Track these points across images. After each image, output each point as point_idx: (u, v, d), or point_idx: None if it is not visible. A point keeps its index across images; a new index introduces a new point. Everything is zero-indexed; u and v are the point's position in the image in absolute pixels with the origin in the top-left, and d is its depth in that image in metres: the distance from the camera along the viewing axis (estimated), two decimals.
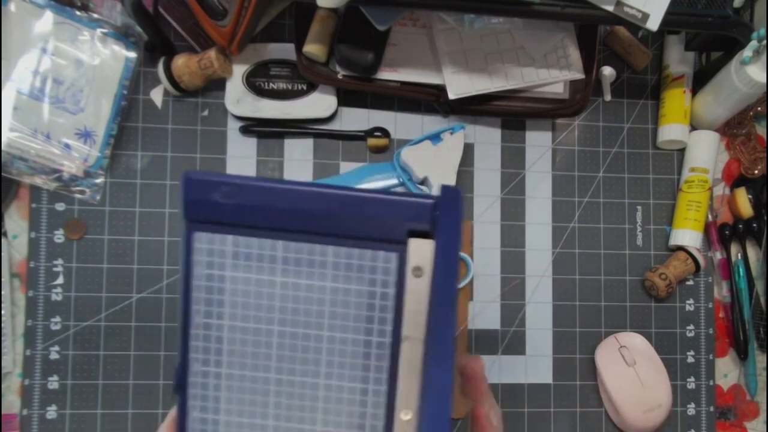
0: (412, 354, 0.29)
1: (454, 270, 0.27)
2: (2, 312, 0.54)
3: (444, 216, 0.28)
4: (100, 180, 0.56)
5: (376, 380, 0.30)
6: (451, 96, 0.55)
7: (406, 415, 0.29)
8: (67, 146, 0.54)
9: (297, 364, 0.30)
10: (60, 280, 0.56)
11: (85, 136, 0.55)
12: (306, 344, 0.30)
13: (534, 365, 0.60)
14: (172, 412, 0.32)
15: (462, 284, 0.59)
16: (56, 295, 0.56)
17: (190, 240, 0.29)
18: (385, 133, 0.59)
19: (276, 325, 0.29)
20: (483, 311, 0.60)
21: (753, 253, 0.64)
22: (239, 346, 0.30)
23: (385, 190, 0.30)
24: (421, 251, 0.29)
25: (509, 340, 0.60)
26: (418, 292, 0.29)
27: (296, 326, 0.29)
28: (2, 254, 0.54)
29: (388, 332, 0.29)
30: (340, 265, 0.29)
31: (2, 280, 0.54)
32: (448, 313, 0.26)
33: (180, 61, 0.55)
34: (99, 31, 0.55)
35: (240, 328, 0.29)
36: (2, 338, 0.54)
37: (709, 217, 0.63)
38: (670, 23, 0.49)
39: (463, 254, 0.59)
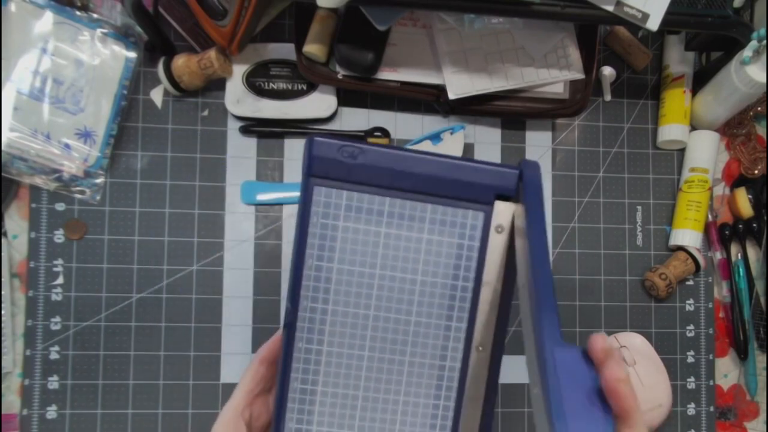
0: (489, 296, 0.35)
1: (545, 228, 0.32)
2: (2, 312, 0.54)
3: (530, 183, 0.32)
4: (100, 180, 0.56)
5: (459, 318, 0.35)
6: (451, 96, 0.55)
7: (480, 348, 0.35)
8: (67, 146, 0.54)
9: (393, 303, 0.35)
10: (60, 280, 0.56)
11: (85, 136, 0.55)
12: (402, 286, 0.35)
13: None
14: (269, 343, 0.38)
15: None
16: (56, 295, 0.56)
17: (310, 193, 0.33)
18: (385, 133, 0.59)
19: (378, 269, 0.34)
20: None
21: (753, 253, 0.64)
22: (344, 287, 0.34)
23: (479, 160, 0.36)
24: (503, 212, 0.34)
25: (509, 340, 0.60)
26: (498, 246, 0.34)
27: (394, 270, 0.34)
28: (2, 254, 0.54)
29: (471, 278, 0.35)
30: (435, 220, 0.34)
31: (2, 280, 0.54)
32: (546, 266, 0.30)
33: (180, 61, 0.55)
34: (99, 31, 0.55)
35: (346, 271, 0.34)
36: (2, 338, 0.54)
37: (709, 217, 0.63)
38: (670, 23, 0.49)
39: None
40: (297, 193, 0.59)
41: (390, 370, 0.35)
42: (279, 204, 0.59)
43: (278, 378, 0.35)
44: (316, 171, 0.33)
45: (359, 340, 0.35)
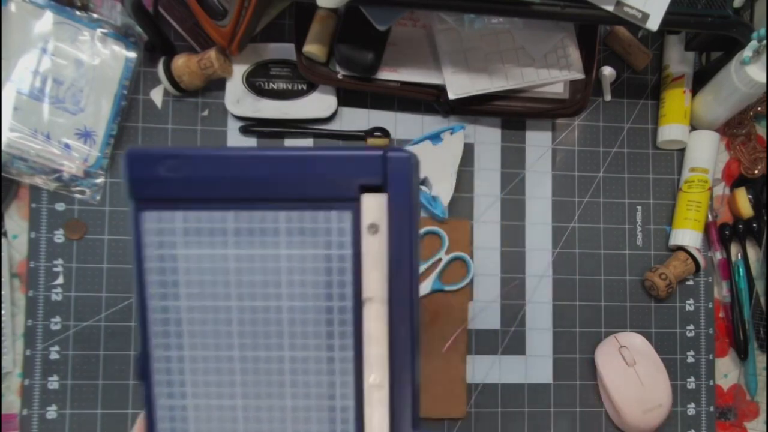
0: (375, 315, 0.28)
1: (410, 224, 0.27)
2: (2, 312, 0.54)
3: (394, 168, 0.27)
4: (100, 180, 0.56)
5: (342, 346, 0.29)
6: (451, 96, 0.55)
7: (374, 379, 0.29)
8: (67, 146, 0.54)
9: (260, 338, 0.29)
10: (60, 280, 0.56)
11: (85, 136, 0.55)
12: (266, 317, 0.29)
13: (534, 365, 0.60)
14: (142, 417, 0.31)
15: (462, 284, 0.59)
16: (56, 295, 0.56)
17: (139, 221, 0.28)
18: (385, 133, 0.59)
19: (234, 301, 0.29)
20: (483, 311, 0.60)
21: (753, 253, 0.64)
22: (199, 327, 0.29)
23: (332, 147, 0.30)
24: (374, 207, 0.28)
25: (509, 340, 0.60)
26: (375, 250, 0.28)
27: (254, 299, 0.29)
28: (2, 254, 0.54)
29: (348, 295, 0.28)
30: (293, 230, 0.28)
31: (2, 280, 0.54)
32: (406, 271, 0.26)
33: (180, 61, 0.55)
34: (99, 31, 0.55)
35: (198, 308, 0.29)
36: (2, 338, 0.54)
37: (709, 217, 0.63)
38: (670, 23, 0.49)
39: (463, 254, 0.59)
40: None
41: (271, 419, 0.29)
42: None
43: None
44: (140, 193, 0.27)
45: (228, 388, 0.29)
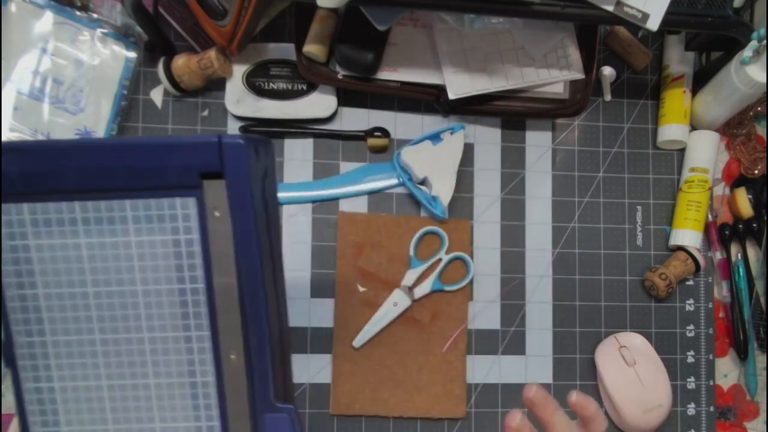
0: (227, 296, 0.30)
1: (252, 207, 0.28)
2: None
3: (229, 155, 0.28)
4: None
5: (198, 326, 0.31)
6: (451, 96, 0.55)
7: (232, 355, 0.31)
8: None
9: (119, 322, 0.31)
10: None
11: (85, 136, 0.55)
12: (123, 301, 0.30)
13: (534, 365, 0.60)
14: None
15: (462, 284, 0.59)
16: None
17: None
18: (385, 133, 0.59)
19: (90, 287, 0.30)
20: (483, 311, 0.60)
21: (753, 253, 0.64)
22: (58, 313, 0.30)
23: (173, 136, 0.32)
24: (217, 192, 0.29)
25: (509, 340, 0.60)
26: (221, 233, 0.29)
27: (110, 285, 0.30)
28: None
29: (200, 278, 0.30)
30: (140, 217, 0.30)
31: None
32: (253, 252, 0.28)
33: (180, 61, 0.55)
34: (99, 31, 0.55)
35: (56, 295, 0.30)
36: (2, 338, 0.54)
37: (709, 217, 0.63)
38: (670, 23, 0.49)
39: (463, 254, 0.59)
40: (296, 193, 0.59)
41: (137, 397, 0.31)
42: (279, 204, 0.59)
43: (18, 420, 0.31)
44: None
45: (93, 370, 0.31)
